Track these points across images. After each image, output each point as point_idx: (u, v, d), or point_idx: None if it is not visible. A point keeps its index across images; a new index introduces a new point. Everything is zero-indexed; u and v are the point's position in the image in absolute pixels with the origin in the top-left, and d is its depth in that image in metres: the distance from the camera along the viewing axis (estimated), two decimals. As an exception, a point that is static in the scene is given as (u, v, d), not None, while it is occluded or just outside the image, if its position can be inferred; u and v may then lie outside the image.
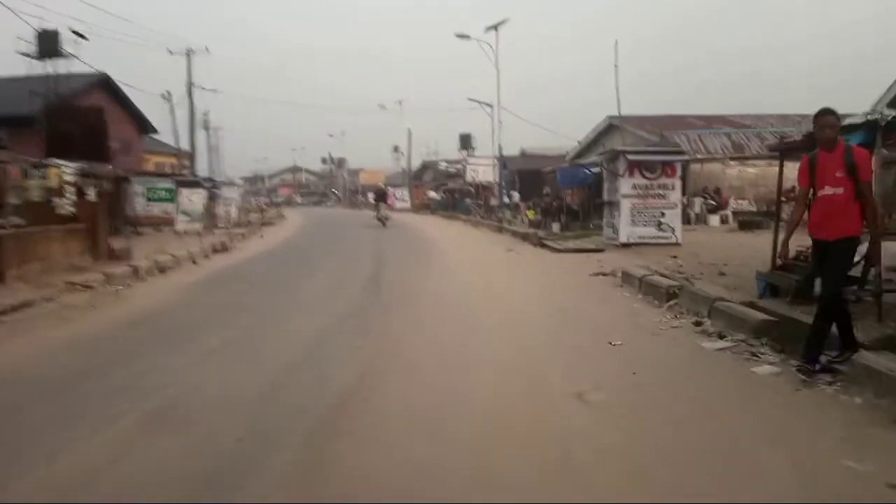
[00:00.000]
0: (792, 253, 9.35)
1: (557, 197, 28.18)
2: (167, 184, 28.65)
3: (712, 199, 22.23)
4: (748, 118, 31.01)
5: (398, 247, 17.33)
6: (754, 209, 23.01)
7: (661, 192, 15.68)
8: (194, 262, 14.12)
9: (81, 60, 28.58)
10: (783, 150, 9.24)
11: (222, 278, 11.34)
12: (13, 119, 25.10)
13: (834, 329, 4.78)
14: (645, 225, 15.62)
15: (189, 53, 31.57)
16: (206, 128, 46.94)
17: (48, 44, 28.22)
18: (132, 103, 37.74)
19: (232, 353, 5.85)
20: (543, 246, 16.69)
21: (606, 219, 16.91)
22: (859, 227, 4.91)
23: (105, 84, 35.56)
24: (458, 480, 3.24)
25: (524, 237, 19.37)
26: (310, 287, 9.95)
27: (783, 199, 20.72)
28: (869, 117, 7.04)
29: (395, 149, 68.57)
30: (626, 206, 15.59)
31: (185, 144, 38.93)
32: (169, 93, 35.69)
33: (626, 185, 15.64)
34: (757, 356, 5.29)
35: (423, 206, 47.30)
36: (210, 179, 32.59)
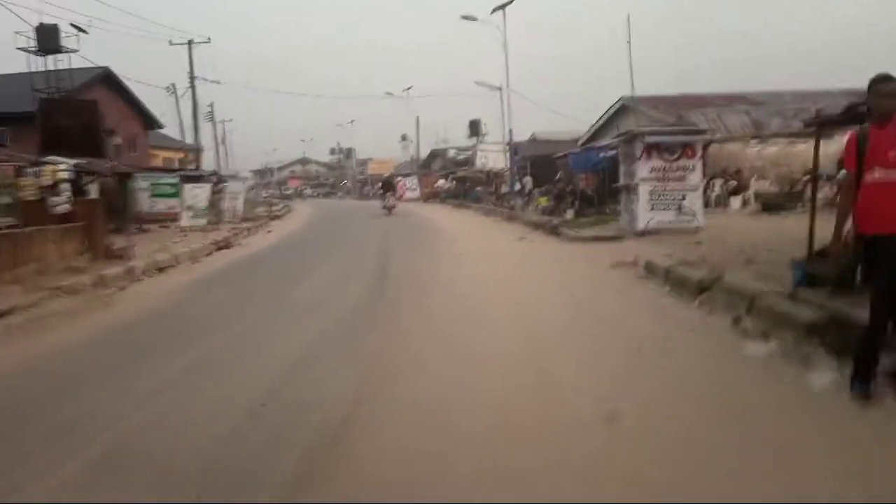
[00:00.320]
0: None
1: (570, 182, 27.41)
2: (171, 179, 28.16)
3: (733, 179, 21.35)
4: (765, 96, 29.98)
5: (406, 238, 16.71)
6: (776, 190, 22.14)
7: (680, 173, 14.90)
8: (195, 261, 13.59)
9: (82, 56, 28.12)
10: (820, 125, 8.44)
11: (222, 277, 10.78)
12: (14, 116, 24.70)
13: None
14: (665, 209, 14.87)
15: (190, 44, 30.95)
16: (212, 120, 46.57)
17: (48, 39, 27.78)
18: (136, 98, 37.26)
19: (214, 369, 5.22)
20: (557, 234, 15.99)
21: (624, 204, 16.17)
22: None
23: (108, 79, 35.12)
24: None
25: (537, 225, 18.66)
26: (313, 282, 9.39)
27: (807, 179, 19.98)
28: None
29: (404, 137, 67.93)
30: (644, 190, 14.84)
31: (191, 138, 38.56)
32: (173, 85, 35.17)
33: (643, 169, 14.88)
34: (810, 361, 4.62)
35: (432, 195, 46.58)
36: (215, 173, 32.10)
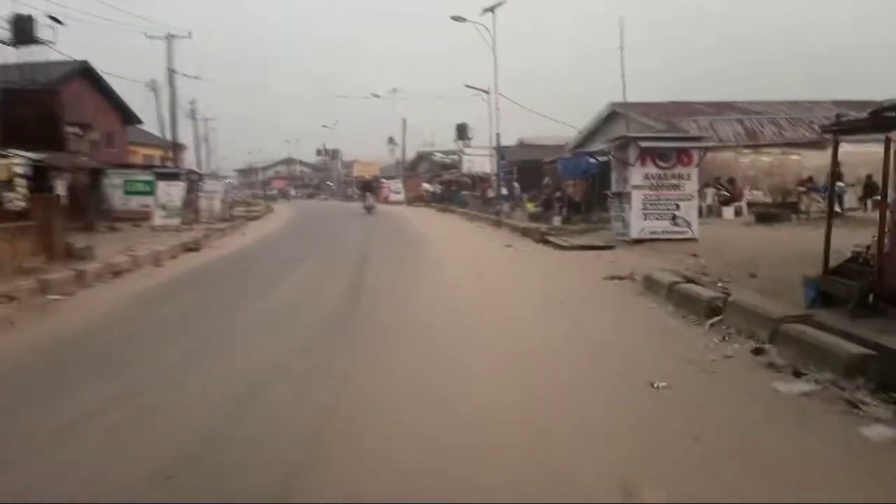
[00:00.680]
0: (846, 255, 8.00)
1: (558, 188, 26.71)
2: (146, 176, 27.08)
3: (726, 189, 20.74)
4: (757, 105, 29.53)
5: (386, 244, 15.81)
6: (769, 200, 21.57)
7: (675, 182, 14.20)
8: (158, 264, 12.63)
9: (57, 50, 26.94)
10: (838, 132, 7.72)
11: (178, 286, 9.83)
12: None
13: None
14: (658, 218, 14.16)
15: (169, 38, 29.88)
16: (194, 118, 45.42)
17: (23, 30, 26.61)
18: (115, 92, 36.09)
19: (137, 406, 4.25)
20: (546, 242, 15.21)
21: (615, 212, 15.44)
22: None
23: (86, 73, 33.92)
24: None
25: (524, 232, 17.87)
26: (279, 294, 8.43)
27: (800, 189, 19.43)
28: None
29: (390, 140, 67.10)
30: (637, 197, 14.11)
31: (169, 134, 37.36)
32: (154, 81, 33.98)
33: (637, 175, 14.16)
34: (858, 407, 3.84)
35: (417, 199, 45.74)
36: (193, 171, 31.02)
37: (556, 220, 22.14)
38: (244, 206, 33.59)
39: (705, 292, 6.61)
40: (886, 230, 6.35)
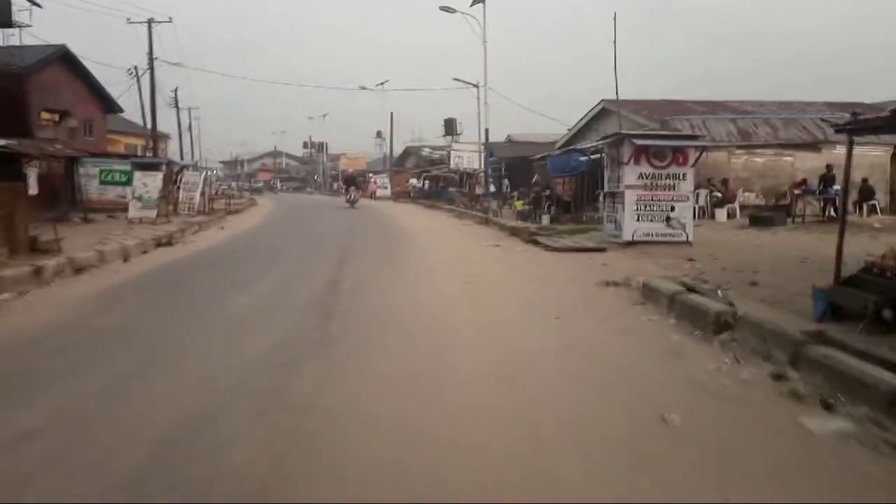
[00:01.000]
0: (859, 264, 7.48)
1: (547, 186, 26.18)
2: (123, 166, 26.19)
3: (718, 191, 20.27)
4: (749, 104, 29.18)
5: (368, 242, 15.19)
6: (763, 203, 21.17)
7: (670, 182, 13.67)
8: (125, 260, 11.92)
9: (33, 34, 26.02)
10: (853, 130, 7.19)
11: (142, 285, 9.15)
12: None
13: None
14: (651, 220, 13.63)
15: (150, 23, 28.95)
16: (176, 107, 44.46)
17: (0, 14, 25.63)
18: (95, 79, 35.07)
19: (64, 437, 3.63)
20: (535, 242, 14.63)
21: (607, 212, 14.89)
22: None
23: (64, 58, 32.91)
24: None
25: (513, 231, 17.29)
26: (248, 297, 7.75)
27: (795, 191, 18.99)
28: None
29: (378, 134, 66.53)
30: (630, 198, 13.57)
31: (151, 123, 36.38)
32: (136, 68, 33.02)
33: (630, 175, 13.61)
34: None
35: (403, 194, 45.07)
36: (172, 162, 30.14)
37: (545, 219, 21.62)
38: (225, 198, 32.68)
39: (712, 305, 6.05)
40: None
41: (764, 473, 3.17)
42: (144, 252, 13.17)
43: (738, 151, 22.01)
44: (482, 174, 32.46)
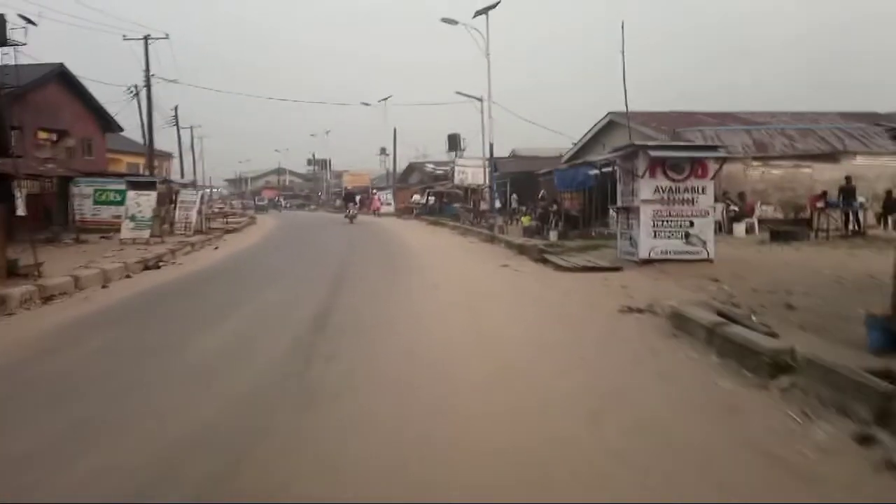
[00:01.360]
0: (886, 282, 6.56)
1: (554, 201, 25.35)
2: (118, 185, 25.49)
3: (735, 205, 19.36)
4: (761, 115, 28.33)
5: (368, 263, 14.29)
6: (781, 216, 20.24)
7: (689, 196, 12.78)
8: (104, 286, 11.06)
9: (24, 53, 25.38)
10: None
11: (111, 316, 8.25)
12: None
13: None
14: (669, 237, 12.71)
15: (146, 40, 28.36)
16: (177, 125, 43.95)
17: (-7, 30, 25.10)
18: (94, 98, 34.53)
19: None
20: (545, 261, 13.74)
21: (621, 229, 13.99)
22: None
23: (62, 77, 32.40)
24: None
25: (521, 249, 16.39)
26: (219, 337, 6.76)
27: (817, 204, 18.04)
28: None
29: (383, 150, 65.96)
30: (646, 213, 12.68)
31: (157, 144, 35.80)
32: (136, 86, 32.39)
33: (646, 188, 12.72)
34: None
35: (406, 211, 44.29)
36: (170, 181, 29.45)
37: (553, 235, 20.76)
38: (221, 217, 31.89)
39: (763, 341, 5.12)
40: None
41: None
42: (127, 276, 12.32)
43: (755, 163, 21.13)
44: (487, 189, 31.65)
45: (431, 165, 52.72)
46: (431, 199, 43.85)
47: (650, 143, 18.51)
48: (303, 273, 12.72)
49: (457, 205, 36.32)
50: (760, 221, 18.98)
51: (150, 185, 24.18)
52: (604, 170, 17.17)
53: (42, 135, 31.02)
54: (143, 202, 21.04)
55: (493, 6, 24.65)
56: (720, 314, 6.86)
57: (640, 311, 7.76)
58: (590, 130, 29.74)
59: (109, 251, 16.58)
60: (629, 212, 13.37)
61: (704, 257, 12.58)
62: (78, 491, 3.18)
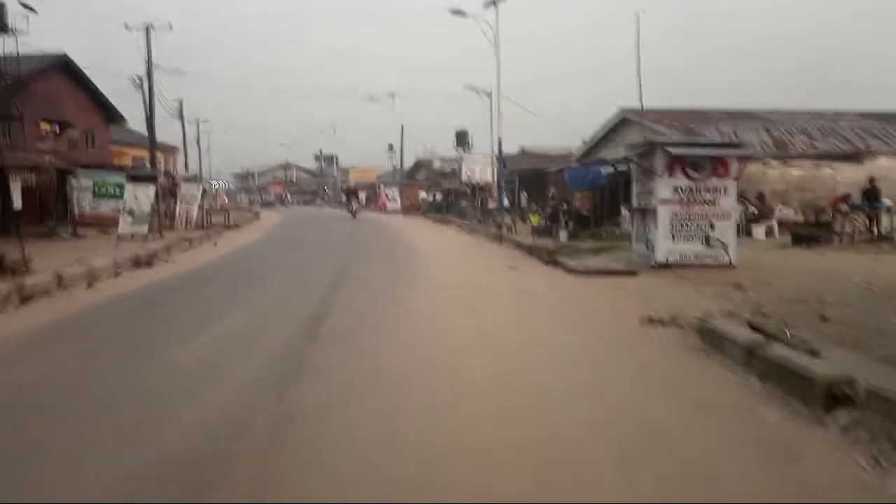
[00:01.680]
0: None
1: (564, 200, 24.63)
2: (117, 178, 24.98)
3: (754, 206, 18.59)
4: (778, 114, 27.48)
5: (370, 263, 13.61)
6: (801, 219, 19.42)
7: (710, 196, 12.05)
8: (89, 285, 10.46)
9: (24, 42, 24.83)
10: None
11: (87, 320, 7.63)
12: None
13: None
14: (688, 240, 12.00)
15: (148, 30, 27.75)
16: (181, 118, 43.44)
17: (-7, 18, 24.60)
18: (97, 89, 34.01)
19: None
20: (556, 263, 13.05)
21: (636, 230, 13.28)
22: None
23: (64, 66, 31.89)
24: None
25: (530, 250, 15.69)
26: (197, 348, 6.09)
27: (841, 207, 17.27)
28: None
29: (391, 147, 65.39)
30: (664, 214, 11.97)
31: (161, 135, 35.27)
32: (140, 78, 31.81)
33: (664, 188, 12.01)
34: None
35: (413, 208, 43.66)
36: (171, 174, 28.91)
37: (562, 235, 20.08)
38: (222, 212, 31.27)
39: (816, 366, 4.42)
40: None
41: None
42: (116, 275, 11.72)
43: (774, 163, 20.34)
44: (495, 187, 30.94)
45: (439, 162, 52.11)
46: (438, 196, 43.21)
47: (667, 139, 17.80)
48: (301, 271, 12.08)
49: (464, 202, 35.65)
50: (780, 224, 18.21)
51: (150, 179, 23.62)
52: (619, 168, 16.40)
53: (44, 126, 30.54)
54: (142, 196, 20.44)
55: (503, -2, 23.95)
56: (752, 328, 6.18)
57: (663, 322, 7.06)
58: (601, 128, 28.99)
59: (103, 247, 16.03)
60: (645, 213, 12.66)
61: (726, 262, 11.87)
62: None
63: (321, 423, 4.00)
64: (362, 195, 54.62)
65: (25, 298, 8.89)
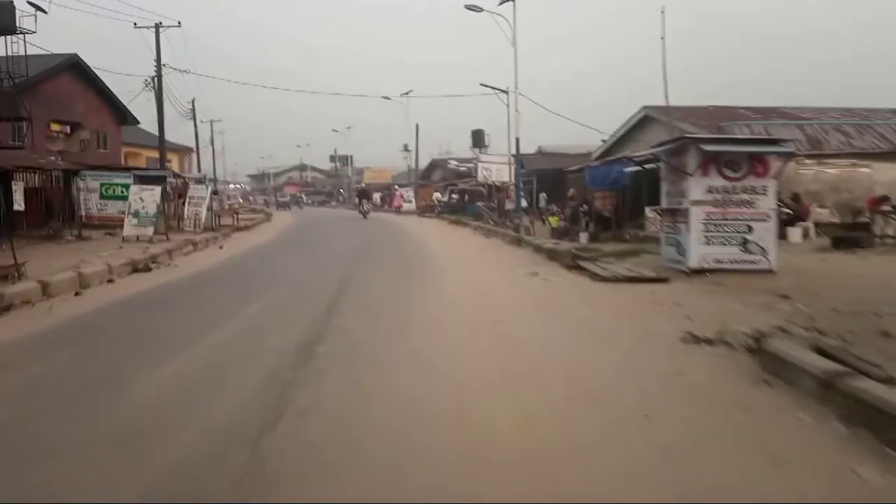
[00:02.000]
0: None
1: (584, 201, 23.70)
2: (124, 179, 24.42)
3: (789, 207, 17.55)
4: (808, 111, 26.33)
5: (376, 272, 12.65)
6: (837, 220, 18.36)
7: (747, 196, 11.12)
8: (77, 293, 9.75)
9: (33, 44, 24.34)
10: None
11: (64, 335, 6.85)
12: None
13: None
14: (724, 244, 11.08)
15: (158, 28, 27.20)
16: (194, 118, 43.05)
17: (2, 17, 24.18)
18: (109, 90, 33.65)
19: None
20: (580, 269, 12.16)
21: (666, 233, 12.35)
22: None
23: (75, 67, 31.55)
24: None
25: (551, 254, 14.79)
26: (181, 368, 5.37)
27: (884, 208, 16.19)
28: None
29: (405, 147, 64.69)
30: (697, 216, 11.06)
31: (174, 137, 34.90)
32: (152, 79, 31.34)
33: (698, 188, 11.09)
34: None
35: (428, 209, 42.88)
36: (180, 175, 28.33)
37: (583, 238, 19.19)
38: (231, 213, 30.68)
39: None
40: None
41: None
42: (110, 280, 11.02)
43: (808, 161, 19.25)
44: (512, 187, 30.03)
45: (454, 162, 51.33)
46: (454, 196, 42.40)
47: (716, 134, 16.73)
48: (304, 279, 11.29)
49: (480, 203, 34.78)
50: (816, 226, 17.18)
51: (157, 180, 23.02)
52: (646, 167, 15.46)
53: (55, 127, 30.18)
54: (147, 197, 19.83)
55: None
56: (819, 351, 5.28)
57: (708, 341, 6.17)
58: (623, 126, 28.02)
59: (106, 250, 15.38)
60: (676, 214, 11.74)
61: (765, 267, 10.93)
62: None
63: (303, 480, 3.17)
64: (376, 196, 54.01)
65: (4, 308, 8.18)
